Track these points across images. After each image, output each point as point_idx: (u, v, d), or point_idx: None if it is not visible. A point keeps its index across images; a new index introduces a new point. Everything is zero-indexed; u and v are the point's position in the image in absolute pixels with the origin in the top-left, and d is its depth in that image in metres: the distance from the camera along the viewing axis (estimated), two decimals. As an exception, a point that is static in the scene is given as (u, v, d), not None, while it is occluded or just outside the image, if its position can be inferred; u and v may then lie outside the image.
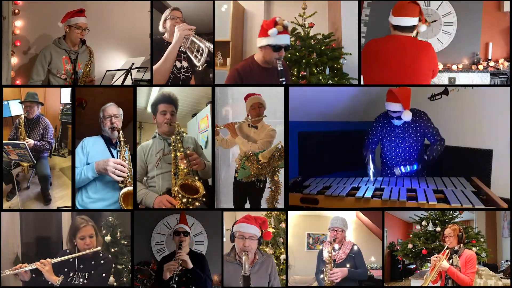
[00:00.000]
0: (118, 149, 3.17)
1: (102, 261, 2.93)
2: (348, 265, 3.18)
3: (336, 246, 3.26)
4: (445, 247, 3.05)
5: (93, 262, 2.90)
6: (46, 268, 2.78)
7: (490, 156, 4.05)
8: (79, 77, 3.60)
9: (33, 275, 2.80)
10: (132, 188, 3.11)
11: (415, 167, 3.59)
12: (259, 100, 3.32)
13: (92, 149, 3.17)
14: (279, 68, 3.09)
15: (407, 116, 3.51)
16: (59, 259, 2.84)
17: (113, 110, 3.21)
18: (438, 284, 3.02)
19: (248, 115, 3.38)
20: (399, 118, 3.56)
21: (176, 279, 2.79)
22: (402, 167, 3.65)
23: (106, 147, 3.20)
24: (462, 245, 3.07)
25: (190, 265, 2.85)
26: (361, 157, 3.79)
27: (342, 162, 4.62)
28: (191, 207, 2.94)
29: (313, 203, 3.28)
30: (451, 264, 2.99)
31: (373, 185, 3.48)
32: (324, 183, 3.63)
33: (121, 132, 3.17)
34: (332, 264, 3.16)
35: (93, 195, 3.13)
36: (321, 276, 3.18)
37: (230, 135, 3.35)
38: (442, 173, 3.74)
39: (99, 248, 2.95)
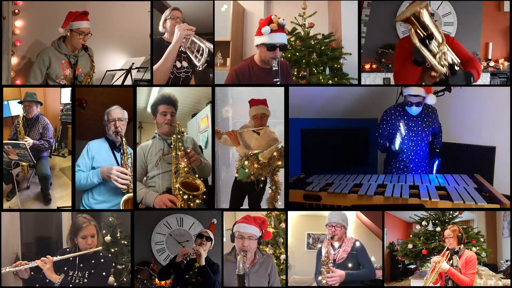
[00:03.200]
0: (122, 156, 3.20)
1: (102, 260, 2.93)
2: (350, 265, 3.01)
3: (336, 244, 3.10)
4: (445, 248, 3.05)
5: (93, 261, 2.90)
6: (47, 266, 2.77)
7: (493, 153, 4.06)
8: (79, 82, 3.56)
9: (32, 272, 2.80)
10: (131, 195, 3.16)
11: (437, 162, 3.65)
12: (263, 111, 3.27)
13: (97, 153, 3.21)
14: (273, 68, 3.08)
15: (431, 99, 3.53)
16: (60, 257, 2.84)
17: (117, 113, 3.22)
18: (438, 284, 3.01)
19: (251, 120, 3.36)
20: (417, 104, 3.55)
21: (187, 259, 2.80)
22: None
23: (110, 151, 3.23)
24: (462, 246, 3.07)
25: (203, 262, 2.83)
26: (363, 155, 3.81)
27: (344, 159, 4.63)
28: (191, 204, 2.95)
29: (316, 199, 3.29)
30: (451, 265, 2.99)
31: (375, 181, 3.50)
32: (326, 180, 3.66)
33: (124, 139, 3.18)
34: (331, 265, 2.98)
35: (97, 197, 3.19)
36: (319, 278, 3.00)
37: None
38: (445, 170, 3.76)
39: (100, 248, 2.96)
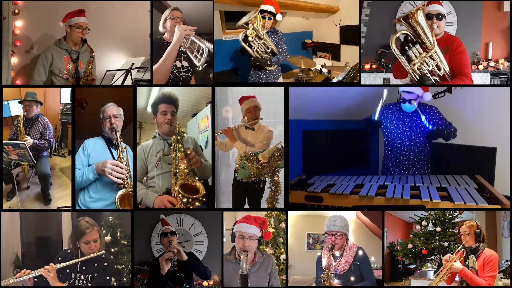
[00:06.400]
0: (117, 151, 3.19)
1: (105, 263, 2.91)
2: (352, 278, 2.80)
3: (337, 253, 2.87)
4: (461, 246, 2.82)
5: (95, 264, 2.89)
6: (51, 274, 2.75)
7: (493, 154, 4.07)
8: (81, 77, 3.59)
9: (36, 279, 2.79)
10: (128, 190, 3.14)
11: (430, 127, 3.62)
12: (254, 103, 3.31)
13: (93, 151, 3.19)
14: None
15: (427, 96, 3.55)
16: (63, 264, 2.82)
17: (112, 110, 3.22)
18: (453, 285, 2.83)
19: (244, 117, 3.38)
20: (410, 101, 3.59)
21: (176, 265, 2.84)
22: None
23: (106, 148, 3.22)
24: (481, 244, 2.81)
25: (185, 256, 2.89)
26: (365, 155, 3.81)
27: (346, 160, 4.63)
28: (191, 207, 2.94)
29: (317, 200, 3.30)
30: (467, 265, 2.75)
31: (376, 182, 3.50)
32: (328, 181, 3.67)
33: (118, 133, 3.17)
34: (333, 275, 2.80)
35: (93, 194, 3.17)
36: None
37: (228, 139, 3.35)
38: (445, 171, 3.75)
39: (103, 251, 2.93)
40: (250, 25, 3.53)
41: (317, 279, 2.98)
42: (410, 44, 3.14)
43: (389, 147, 3.91)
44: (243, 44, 3.59)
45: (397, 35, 3.13)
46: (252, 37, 3.53)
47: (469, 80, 3.21)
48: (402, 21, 3.12)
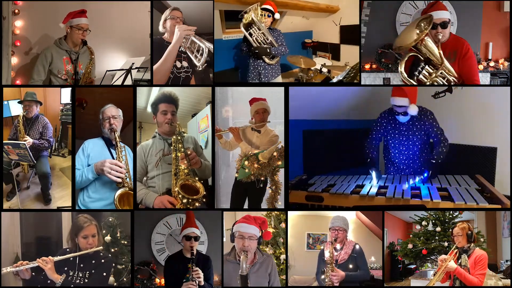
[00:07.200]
0: (115, 150, 3.19)
1: (102, 260, 2.93)
2: (350, 266, 3.18)
3: (338, 246, 3.22)
4: (454, 247, 2.97)
5: (93, 261, 2.90)
6: (48, 266, 2.77)
7: (494, 153, 4.07)
8: (80, 78, 3.59)
9: (33, 273, 2.80)
10: (127, 189, 3.13)
11: (425, 175, 3.54)
12: (264, 106, 3.32)
13: (92, 151, 3.20)
14: None
15: (413, 110, 3.51)
16: (61, 257, 2.83)
17: (111, 111, 3.22)
18: (446, 284, 2.95)
19: (252, 119, 3.38)
20: (404, 113, 3.56)
21: None
22: (411, 180, 3.54)
23: (106, 148, 3.22)
24: (472, 244, 2.98)
25: (202, 282, 2.85)
26: (365, 156, 3.79)
27: (346, 160, 4.63)
28: (191, 208, 2.94)
29: (318, 200, 3.31)
30: (460, 264, 2.90)
31: (377, 183, 3.50)
32: (328, 181, 3.67)
33: (117, 134, 3.18)
34: (334, 265, 3.12)
35: (93, 194, 3.17)
36: (322, 276, 3.15)
37: (233, 137, 3.35)
38: (446, 170, 3.75)
39: (101, 247, 2.95)
40: (250, 12, 3.64)
41: (318, 271, 3.28)
42: (420, 68, 3.19)
43: (389, 154, 3.90)
44: (243, 31, 3.67)
45: (405, 60, 3.17)
46: (252, 23, 3.65)
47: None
48: (414, 49, 3.15)
